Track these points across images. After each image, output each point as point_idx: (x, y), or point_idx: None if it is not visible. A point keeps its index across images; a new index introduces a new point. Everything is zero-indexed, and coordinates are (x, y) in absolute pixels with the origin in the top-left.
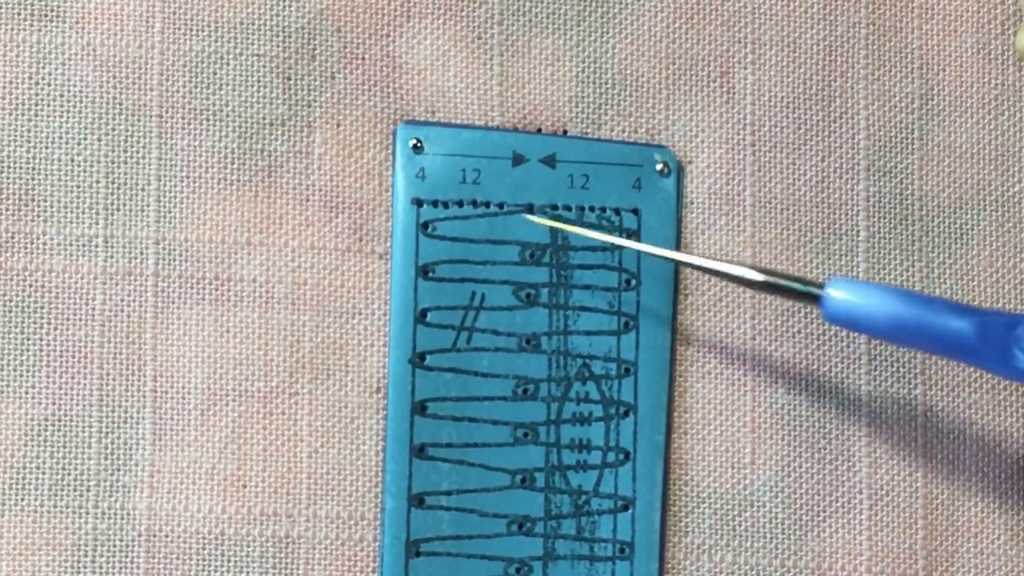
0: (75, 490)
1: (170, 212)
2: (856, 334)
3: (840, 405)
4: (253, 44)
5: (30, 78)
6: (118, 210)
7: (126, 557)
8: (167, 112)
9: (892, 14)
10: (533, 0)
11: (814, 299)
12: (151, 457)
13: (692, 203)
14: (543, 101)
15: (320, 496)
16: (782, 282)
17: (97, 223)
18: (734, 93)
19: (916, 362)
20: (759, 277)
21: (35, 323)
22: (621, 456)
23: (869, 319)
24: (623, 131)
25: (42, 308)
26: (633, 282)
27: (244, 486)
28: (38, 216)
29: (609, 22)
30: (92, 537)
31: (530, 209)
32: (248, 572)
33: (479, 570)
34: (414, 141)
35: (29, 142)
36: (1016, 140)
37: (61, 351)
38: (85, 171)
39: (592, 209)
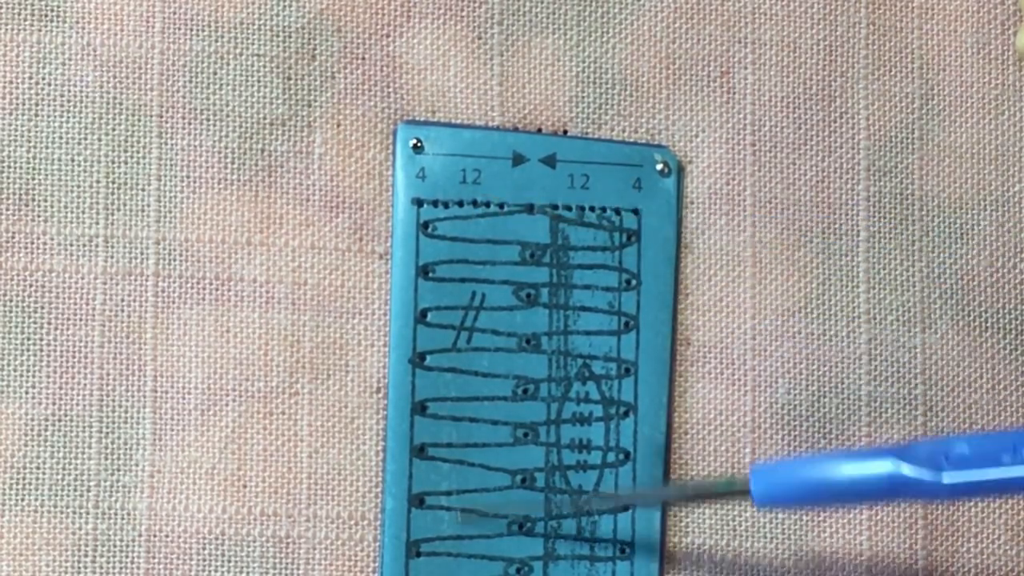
0: (75, 490)
1: (170, 212)
2: (856, 332)
3: (840, 405)
4: (253, 44)
5: (30, 78)
6: (118, 210)
7: (126, 557)
8: (167, 112)
9: (892, 14)
10: (533, 0)
11: (745, 494)
12: (151, 457)
13: (692, 203)
14: (543, 101)
15: (320, 496)
16: (709, 491)
17: (97, 223)
18: (734, 93)
19: (916, 362)
20: (689, 492)
21: (35, 323)
22: (621, 456)
23: (799, 500)
24: (623, 131)
25: (42, 308)
26: (633, 282)
27: (244, 486)
28: (38, 216)
29: (609, 22)
30: (92, 537)
31: (530, 209)
32: (248, 572)
33: (479, 570)
34: (414, 141)
35: (29, 142)
36: (1016, 140)
37: (61, 351)
38: (85, 171)
39: (592, 209)
